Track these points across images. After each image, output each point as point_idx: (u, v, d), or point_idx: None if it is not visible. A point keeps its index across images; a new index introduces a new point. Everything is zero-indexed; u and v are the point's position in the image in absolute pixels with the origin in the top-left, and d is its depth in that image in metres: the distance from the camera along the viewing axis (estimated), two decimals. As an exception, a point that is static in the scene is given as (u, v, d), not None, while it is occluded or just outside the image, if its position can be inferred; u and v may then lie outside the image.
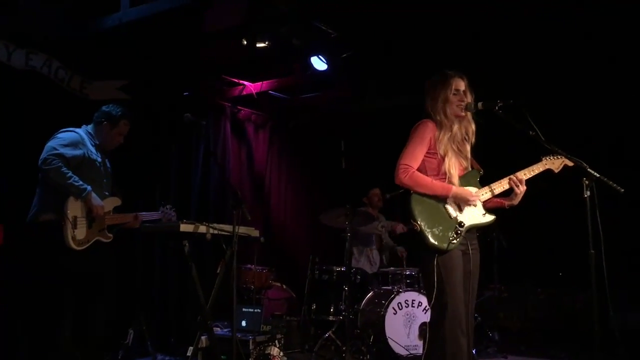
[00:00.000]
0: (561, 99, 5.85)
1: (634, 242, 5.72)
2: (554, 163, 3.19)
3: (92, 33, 5.13)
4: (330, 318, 5.59)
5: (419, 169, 3.15)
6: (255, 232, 4.53)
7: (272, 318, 5.48)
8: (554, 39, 5.10)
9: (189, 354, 4.59)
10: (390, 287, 5.60)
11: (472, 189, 3.16)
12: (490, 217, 3.17)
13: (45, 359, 3.69)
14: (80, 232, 3.72)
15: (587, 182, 2.94)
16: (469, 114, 3.21)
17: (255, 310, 5.12)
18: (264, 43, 5.17)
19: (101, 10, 5.06)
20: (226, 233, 4.19)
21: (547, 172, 3.21)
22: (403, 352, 5.12)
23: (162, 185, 5.77)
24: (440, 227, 3.04)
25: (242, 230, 4.17)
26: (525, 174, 3.17)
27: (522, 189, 3.14)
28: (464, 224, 3.05)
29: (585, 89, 5.70)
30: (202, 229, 4.18)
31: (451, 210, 3.09)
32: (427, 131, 3.17)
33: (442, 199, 3.10)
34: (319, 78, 6.13)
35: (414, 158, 3.13)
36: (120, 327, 4.87)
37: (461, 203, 3.11)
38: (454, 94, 3.19)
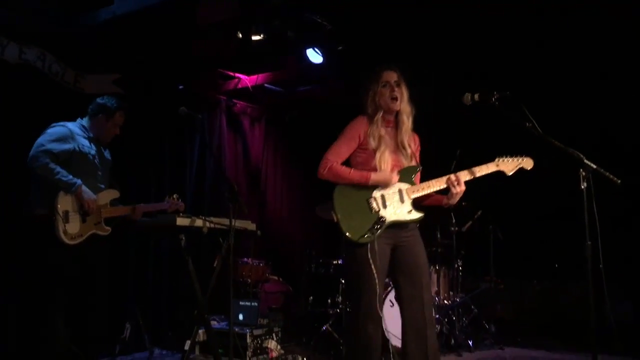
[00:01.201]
0: (558, 91, 5.85)
1: (629, 234, 5.75)
2: (508, 165, 3.14)
3: (86, 26, 5.09)
4: (328, 311, 5.59)
5: (348, 164, 3.17)
6: (252, 226, 4.52)
7: (269, 311, 5.49)
8: (551, 32, 5.08)
9: (186, 347, 4.60)
10: (387, 280, 5.59)
11: (404, 186, 3.12)
12: (417, 215, 3.11)
13: (38, 353, 3.68)
14: (73, 226, 3.70)
15: (583, 173, 2.93)
16: (405, 107, 3.19)
17: (252, 304, 5.12)
18: (259, 36, 5.14)
19: (94, 3, 5.02)
20: (223, 227, 4.18)
21: (500, 174, 3.15)
22: (400, 344, 5.11)
23: (158, 179, 5.75)
24: (358, 220, 3.04)
25: (239, 223, 4.17)
26: (469, 174, 3.12)
27: (459, 189, 3.08)
28: (385, 219, 3.03)
29: (582, 79, 5.69)
30: (199, 222, 4.17)
31: (374, 204, 3.08)
32: (356, 127, 3.19)
33: (367, 193, 3.08)
34: (314, 71, 6.11)
35: (337, 153, 3.16)
36: (117, 321, 4.86)
37: (384, 193, 3.08)
38: (383, 86, 3.19)
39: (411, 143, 3.24)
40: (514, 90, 3.03)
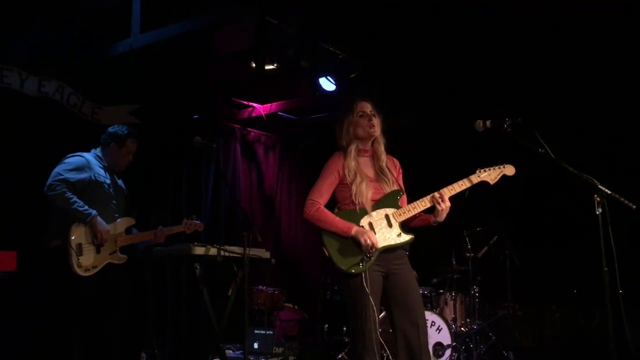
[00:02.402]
0: (572, 115, 5.83)
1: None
2: (490, 175, 3.17)
3: (103, 59, 5.21)
4: (343, 339, 5.54)
5: (334, 200, 3.21)
6: (266, 254, 4.53)
7: (285, 340, 5.45)
8: (565, 54, 5.10)
9: (201, 377, 4.58)
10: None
11: (390, 210, 3.14)
12: (406, 237, 3.13)
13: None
14: (87, 258, 3.74)
15: (598, 199, 2.91)
16: (378, 136, 3.24)
17: (267, 332, 5.10)
18: (273, 65, 5.22)
19: (112, 37, 5.14)
20: (237, 255, 4.19)
21: (484, 184, 3.17)
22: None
23: (173, 209, 5.79)
24: (348, 252, 3.06)
25: (252, 252, 4.18)
26: (451, 190, 3.14)
27: (444, 206, 3.09)
28: (375, 247, 3.05)
29: (595, 104, 5.68)
30: (213, 251, 4.19)
31: None
32: (333, 164, 3.25)
33: (355, 224, 3.10)
34: (327, 99, 6.16)
35: (319, 193, 3.21)
36: (132, 350, 4.86)
37: (372, 220, 3.10)
38: (360, 116, 3.23)
39: (391, 168, 3.29)
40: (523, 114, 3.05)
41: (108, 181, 4.00)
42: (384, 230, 3.12)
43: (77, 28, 5.09)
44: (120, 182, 4.16)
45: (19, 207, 4.54)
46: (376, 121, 3.23)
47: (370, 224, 3.12)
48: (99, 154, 4.06)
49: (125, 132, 4.08)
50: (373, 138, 3.25)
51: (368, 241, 3.02)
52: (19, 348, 4.47)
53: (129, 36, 5.02)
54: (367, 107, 3.25)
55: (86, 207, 3.73)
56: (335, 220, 3.14)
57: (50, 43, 4.97)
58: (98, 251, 3.80)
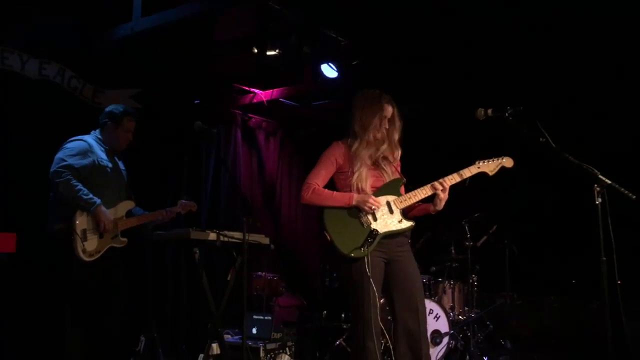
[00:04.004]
0: (572, 104, 5.81)
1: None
2: (489, 166, 3.26)
3: (105, 43, 5.19)
4: (342, 325, 5.57)
5: (333, 189, 3.24)
6: (265, 240, 4.54)
7: (283, 325, 5.48)
8: (567, 43, 5.07)
9: (199, 361, 4.61)
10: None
11: (391, 197, 3.18)
12: (407, 223, 3.19)
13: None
14: (91, 244, 3.74)
15: (598, 189, 2.92)
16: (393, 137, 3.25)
17: (266, 318, 5.12)
18: (274, 51, 5.20)
19: (113, 21, 5.11)
20: (236, 240, 4.20)
21: (483, 175, 3.26)
22: None
23: (173, 193, 5.79)
24: (351, 236, 3.09)
25: (252, 237, 4.19)
26: (453, 179, 3.20)
27: (445, 194, 3.17)
28: (377, 232, 3.10)
29: (595, 92, 5.65)
30: (212, 236, 4.20)
31: (364, 219, 3.13)
32: (332, 152, 3.30)
33: (355, 209, 3.13)
34: (329, 85, 6.15)
35: (317, 176, 3.25)
36: (131, 334, 4.89)
37: (363, 209, 3.11)
38: (380, 118, 3.24)
39: (390, 157, 3.30)
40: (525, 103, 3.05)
41: (110, 165, 4.00)
42: (386, 217, 3.15)
43: (78, 11, 5.06)
44: (121, 163, 4.16)
45: (20, 189, 4.55)
46: (392, 124, 3.25)
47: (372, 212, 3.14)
48: (98, 135, 4.04)
49: (121, 110, 4.06)
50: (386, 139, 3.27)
51: (372, 202, 3.06)
52: (18, 330, 4.50)
53: (130, 19, 4.99)
54: (390, 112, 3.25)
55: (90, 195, 3.72)
56: (334, 195, 3.18)
57: (52, 26, 4.94)
58: (101, 236, 3.80)
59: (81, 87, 5.14)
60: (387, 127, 3.25)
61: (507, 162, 3.27)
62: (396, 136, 3.29)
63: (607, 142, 5.78)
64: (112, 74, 5.33)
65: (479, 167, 3.24)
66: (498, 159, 3.26)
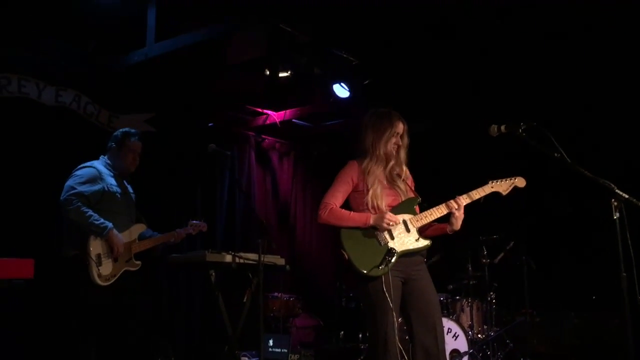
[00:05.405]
0: (587, 119, 5.78)
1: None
2: (502, 186, 3.25)
3: (119, 68, 5.27)
4: (359, 346, 5.52)
5: (348, 209, 3.22)
6: (281, 261, 4.53)
7: (300, 346, 5.45)
8: (580, 58, 5.06)
9: (217, 384, 4.59)
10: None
11: (407, 216, 3.17)
12: (424, 242, 3.17)
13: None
14: (106, 268, 3.77)
15: (615, 203, 2.88)
16: (400, 155, 3.25)
17: (283, 339, 5.09)
18: (286, 72, 5.24)
19: (127, 47, 5.20)
20: (252, 262, 4.20)
21: (495, 195, 3.25)
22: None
23: (188, 216, 5.82)
24: (368, 255, 3.06)
25: (267, 259, 4.19)
26: (466, 198, 3.19)
27: (460, 213, 3.15)
28: (395, 251, 3.07)
29: (612, 107, 5.62)
30: (228, 258, 4.21)
31: (381, 237, 3.11)
32: (348, 171, 3.28)
33: (372, 229, 3.11)
34: (341, 105, 6.17)
35: (334, 196, 3.23)
36: (147, 356, 4.88)
37: (381, 227, 3.10)
38: (393, 135, 3.24)
39: (403, 176, 3.30)
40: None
41: (120, 190, 4.02)
42: (403, 235, 3.14)
43: (93, 38, 5.16)
44: (129, 188, 4.18)
45: (36, 215, 4.59)
46: (403, 142, 3.27)
47: (389, 230, 3.13)
48: (107, 160, 4.08)
49: (124, 131, 4.10)
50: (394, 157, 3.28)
51: (389, 219, 3.05)
52: (35, 355, 4.51)
53: (144, 45, 5.07)
54: (401, 129, 3.26)
55: (102, 220, 3.75)
56: (351, 215, 3.17)
57: (67, 53, 5.04)
58: (116, 260, 3.82)
59: (97, 113, 5.21)
60: (399, 143, 3.26)
61: (520, 182, 3.28)
62: (402, 153, 3.29)
63: (625, 153, 5.74)
64: (127, 99, 5.40)
65: (492, 187, 3.24)
66: (511, 179, 3.26)
